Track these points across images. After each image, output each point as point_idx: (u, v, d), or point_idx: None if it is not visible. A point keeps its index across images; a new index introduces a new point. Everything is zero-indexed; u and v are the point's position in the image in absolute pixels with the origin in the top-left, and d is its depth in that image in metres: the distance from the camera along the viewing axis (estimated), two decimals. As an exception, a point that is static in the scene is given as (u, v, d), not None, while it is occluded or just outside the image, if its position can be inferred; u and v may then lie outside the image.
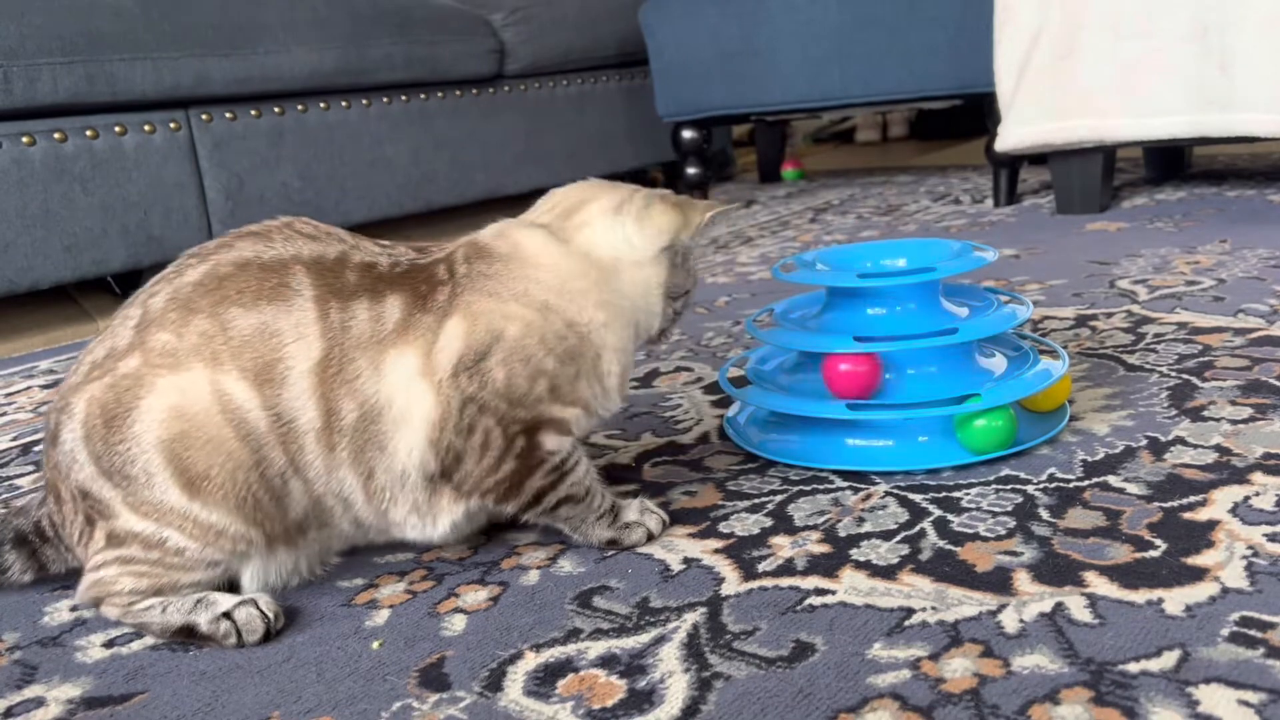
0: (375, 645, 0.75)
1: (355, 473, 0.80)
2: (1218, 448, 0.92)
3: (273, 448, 0.78)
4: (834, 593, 0.74)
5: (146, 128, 2.02)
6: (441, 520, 0.83)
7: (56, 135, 1.89)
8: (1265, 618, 0.65)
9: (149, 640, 0.79)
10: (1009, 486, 0.89)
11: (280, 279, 0.79)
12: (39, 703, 0.72)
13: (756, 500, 0.92)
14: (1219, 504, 0.81)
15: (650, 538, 0.87)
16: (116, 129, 1.97)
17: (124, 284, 2.11)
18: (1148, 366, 1.16)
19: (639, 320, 0.89)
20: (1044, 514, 0.83)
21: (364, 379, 0.78)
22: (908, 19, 2.39)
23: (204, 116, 2.12)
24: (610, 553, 0.85)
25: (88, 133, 1.93)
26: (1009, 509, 0.84)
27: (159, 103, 2.05)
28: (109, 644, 0.79)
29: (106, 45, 1.94)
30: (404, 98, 2.51)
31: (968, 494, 0.88)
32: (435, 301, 0.82)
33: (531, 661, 0.70)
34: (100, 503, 0.78)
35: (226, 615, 0.78)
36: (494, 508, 0.85)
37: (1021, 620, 0.68)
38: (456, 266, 0.84)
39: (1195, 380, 1.09)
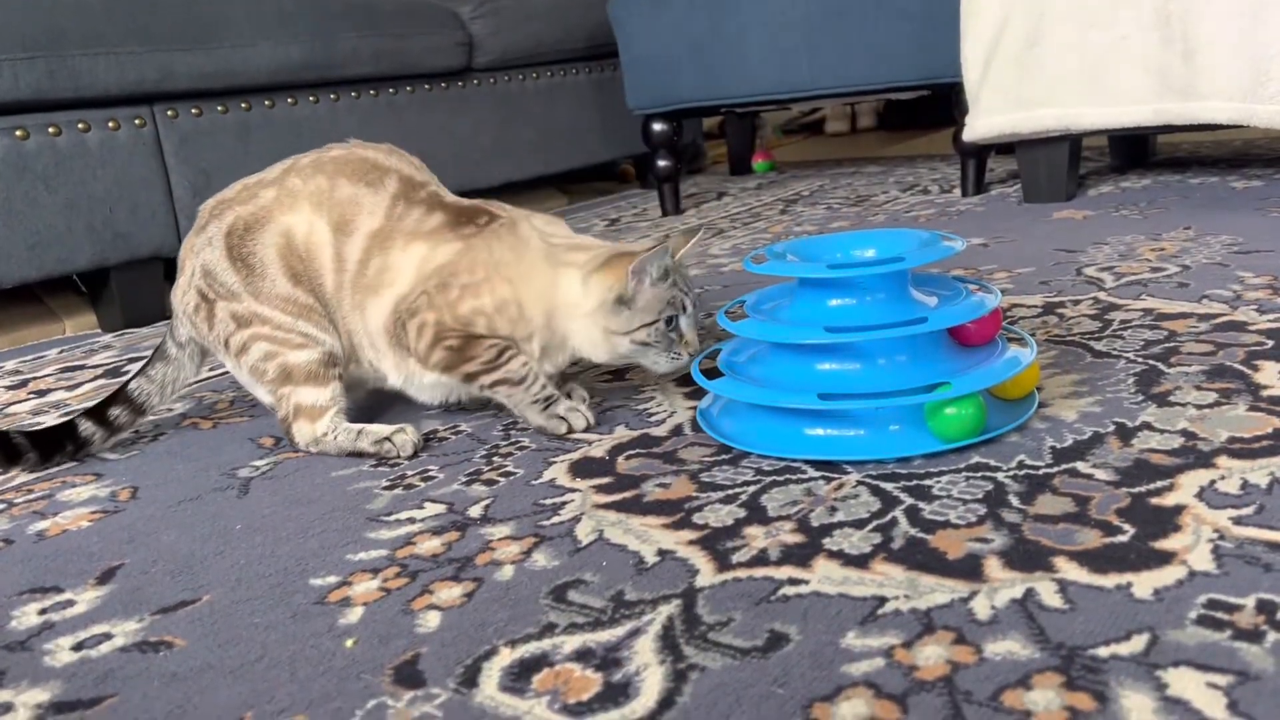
0: (349, 643, 0.74)
1: (358, 316, 1.16)
2: (1184, 432, 0.93)
3: (327, 275, 1.14)
4: (807, 582, 0.75)
5: (111, 124, 1.99)
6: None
7: (18, 133, 1.86)
8: (1231, 600, 0.66)
9: (119, 642, 0.78)
10: (979, 474, 0.89)
11: (381, 175, 1.16)
12: (7, 708, 0.71)
13: (730, 491, 0.92)
14: (1185, 488, 0.82)
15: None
16: (80, 125, 1.94)
17: (90, 282, 2.08)
18: (1115, 353, 1.17)
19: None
20: (1014, 501, 0.84)
21: (393, 250, 1.14)
22: (875, 9, 2.40)
23: (169, 112, 2.09)
24: (583, 543, 0.85)
25: (50, 130, 1.90)
26: (979, 496, 0.85)
27: (123, 98, 2.01)
28: (77, 647, 0.78)
29: (69, 40, 1.91)
30: (372, 92, 2.50)
31: (939, 482, 0.89)
32: (462, 233, 1.14)
33: (507, 657, 0.70)
34: (221, 285, 1.14)
35: (387, 439, 1.11)
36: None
37: (993, 607, 0.69)
38: (485, 225, 1.15)
39: (1161, 366, 1.11)
